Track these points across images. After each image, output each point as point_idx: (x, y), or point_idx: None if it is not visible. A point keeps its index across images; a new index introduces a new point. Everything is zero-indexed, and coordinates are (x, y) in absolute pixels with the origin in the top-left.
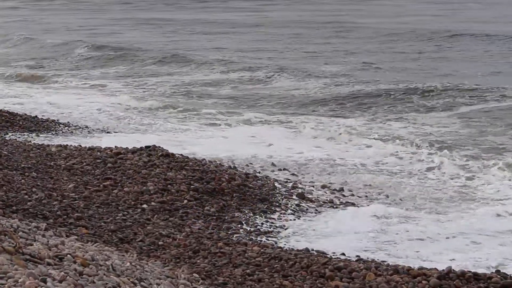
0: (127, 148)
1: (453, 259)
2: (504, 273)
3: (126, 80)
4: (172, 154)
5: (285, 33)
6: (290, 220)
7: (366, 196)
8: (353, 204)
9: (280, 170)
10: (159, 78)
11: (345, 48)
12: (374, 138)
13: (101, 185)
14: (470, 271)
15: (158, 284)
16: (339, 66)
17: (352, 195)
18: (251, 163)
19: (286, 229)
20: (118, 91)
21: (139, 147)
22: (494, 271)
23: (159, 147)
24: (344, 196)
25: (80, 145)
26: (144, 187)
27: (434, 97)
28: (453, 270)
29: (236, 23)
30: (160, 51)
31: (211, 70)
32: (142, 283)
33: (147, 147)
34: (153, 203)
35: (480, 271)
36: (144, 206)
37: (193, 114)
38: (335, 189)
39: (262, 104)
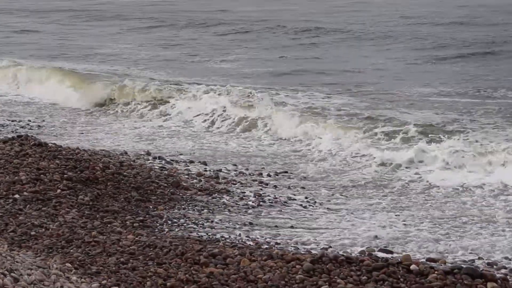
0: None
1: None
2: (376, 256)
3: None
4: (45, 143)
5: None
6: (165, 208)
7: (241, 183)
8: (227, 192)
9: (155, 158)
10: None
11: None
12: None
13: None
14: (343, 255)
15: (29, 275)
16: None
17: (227, 182)
18: (125, 152)
19: (161, 217)
20: None
21: (10, 136)
22: (366, 255)
23: (32, 136)
24: (218, 183)
25: None
26: (16, 177)
27: None
28: (326, 254)
29: None
30: None
31: None
32: (12, 274)
33: (19, 136)
34: (25, 193)
35: None
36: (16, 196)
37: None
38: (210, 177)
39: None
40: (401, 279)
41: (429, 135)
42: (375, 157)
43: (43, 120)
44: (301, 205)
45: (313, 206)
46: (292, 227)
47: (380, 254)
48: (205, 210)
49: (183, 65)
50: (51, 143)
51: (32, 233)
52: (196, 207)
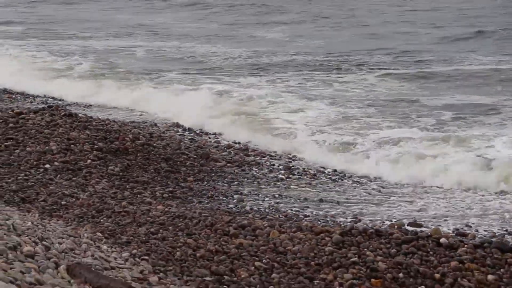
0: (29, 108)
1: None
2: (406, 229)
3: None
4: (75, 114)
5: None
6: (195, 180)
7: (270, 155)
8: (257, 164)
9: (185, 130)
10: None
11: None
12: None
13: (2, 145)
14: (372, 228)
15: (60, 243)
16: None
17: (257, 155)
18: (155, 123)
19: (191, 189)
20: None
21: (41, 107)
22: (395, 228)
23: (62, 106)
24: (248, 155)
25: None
26: (47, 147)
27: None
28: (355, 226)
29: None
30: None
31: None
32: (43, 242)
33: (49, 106)
34: (56, 163)
35: None
36: (47, 166)
37: None
38: (239, 149)
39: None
40: (431, 252)
41: None
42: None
43: None
44: (330, 178)
45: (342, 180)
46: (321, 200)
47: (410, 228)
48: (235, 182)
49: (235, 38)
50: (82, 114)
51: (63, 202)
52: (226, 179)
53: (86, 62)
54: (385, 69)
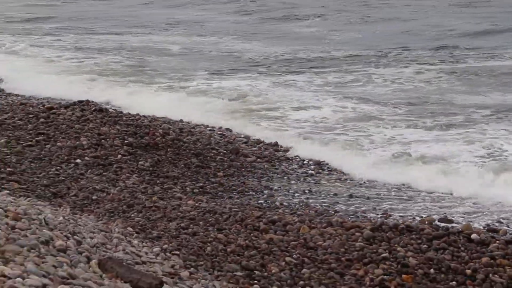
0: (59, 103)
1: None
2: (437, 224)
3: None
4: (106, 109)
5: None
6: (225, 175)
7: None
8: (287, 159)
9: (214, 126)
10: None
11: None
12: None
13: (33, 140)
14: (403, 224)
15: (91, 238)
16: None
17: (287, 150)
18: (182, 118)
19: (221, 183)
20: None
21: (72, 102)
22: (426, 223)
23: (93, 101)
24: (277, 151)
25: (12, 100)
26: (78, 142)
27: None
28: (386, 222)
29: None
30: None
31: None
32: (75, 236)
33: (80, 101)
34: (86, 158)
35: None
36: (78, 161)
37: None
38: (269, 144)
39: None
40: (462, 248)
41: None
42: None
43: None
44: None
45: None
46: (351, 195)
47: (440, 223)
48: (265, 178)
49: (269, 33)
50: (112, 109)
51: (94, 197)
52: (256, 175)
53: (114, 59)
54: (423, 63)
